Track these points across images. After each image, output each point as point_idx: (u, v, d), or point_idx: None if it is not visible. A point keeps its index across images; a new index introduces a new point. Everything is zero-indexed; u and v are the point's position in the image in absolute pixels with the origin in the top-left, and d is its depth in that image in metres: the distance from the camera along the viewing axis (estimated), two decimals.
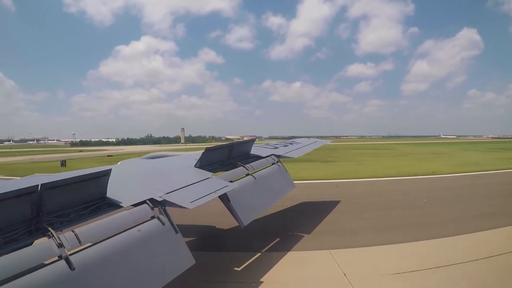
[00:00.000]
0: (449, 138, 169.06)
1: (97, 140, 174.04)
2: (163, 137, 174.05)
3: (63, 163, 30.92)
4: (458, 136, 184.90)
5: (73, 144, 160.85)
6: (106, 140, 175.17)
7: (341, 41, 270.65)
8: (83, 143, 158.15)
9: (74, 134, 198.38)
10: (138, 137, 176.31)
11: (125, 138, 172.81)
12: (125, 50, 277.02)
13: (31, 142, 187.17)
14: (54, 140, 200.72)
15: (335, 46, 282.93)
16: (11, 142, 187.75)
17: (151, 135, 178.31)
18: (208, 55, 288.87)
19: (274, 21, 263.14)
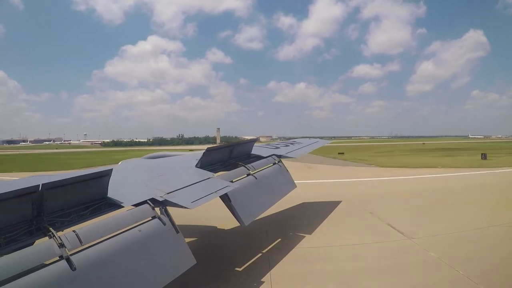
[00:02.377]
0: (477, 138, 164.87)
1: (128, 140, 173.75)
2: (195, 137, 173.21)
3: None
4: (485, 137, 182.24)
5: (104, 144, 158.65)
6: (137, 140, 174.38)
7: (350, 42, 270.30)
8: (116, 143, 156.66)
9: (86, 134, 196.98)
10: (169, 138, 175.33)
11: (157, 137, 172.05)
12: (132, 49, 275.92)
13: (47, 142, 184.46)
14: (70, 140, 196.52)
15: (343, 47, 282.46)
16: (27, 142, 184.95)
17: (182, 135, 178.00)
18: (216, 55, 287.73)
19: (285, 21, 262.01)
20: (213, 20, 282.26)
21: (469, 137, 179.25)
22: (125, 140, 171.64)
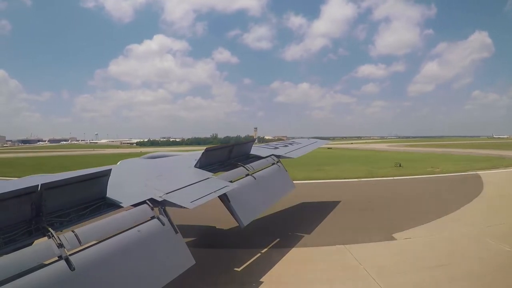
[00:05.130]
0: (501, 138, 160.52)
1: (164, 139, 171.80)
2: (228, 136, 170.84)
3: None
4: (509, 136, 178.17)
5: (140, 144, 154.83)
6: (172, 140, 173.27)
7: (358, 42, 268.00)
8: (152, 143, 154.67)
9: (97, 134, 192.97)
10: (202, 137, 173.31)
11: (191, 137, 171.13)
12: (138, 48, 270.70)
13: (64, 142, 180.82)
14: (86, 140, 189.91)
15: (351, 47, 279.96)
16: (46, 142, 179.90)
17: (216, 135, 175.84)
18: (223, 54, 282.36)
19: (296, 21, 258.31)
20: (224, 19, 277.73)
21: (493, 137, 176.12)
22: (160, 139, 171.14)
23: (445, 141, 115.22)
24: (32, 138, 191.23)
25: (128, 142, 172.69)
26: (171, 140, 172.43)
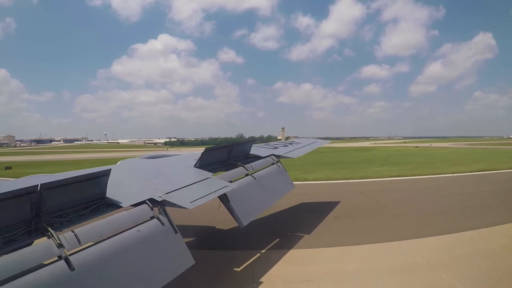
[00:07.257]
0: None
1: (193, 140, 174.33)
2: (252, 136, 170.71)
3: None
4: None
5: (170, 144, 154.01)
6: (201, 139, 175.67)
7: (365, 43, 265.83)
8: (182, 143, 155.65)
9: (105, 134, 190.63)
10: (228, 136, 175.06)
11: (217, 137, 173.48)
12: (142, 48, 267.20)
13: (78, 142, 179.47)
14: (100, 140, 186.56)
15: (357, 48, 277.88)
16: (61, 142, 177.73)
17: (242, 135, 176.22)
18: (228, 54, 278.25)
19: (304, 21, 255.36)
20: (232, 19, 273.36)
21: (509, 137, 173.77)
22: (189, 139, 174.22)
23: (469, 140, 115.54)
24: (45, 138, 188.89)
25: (152, 142, 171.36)
26: (199, 139, 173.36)
